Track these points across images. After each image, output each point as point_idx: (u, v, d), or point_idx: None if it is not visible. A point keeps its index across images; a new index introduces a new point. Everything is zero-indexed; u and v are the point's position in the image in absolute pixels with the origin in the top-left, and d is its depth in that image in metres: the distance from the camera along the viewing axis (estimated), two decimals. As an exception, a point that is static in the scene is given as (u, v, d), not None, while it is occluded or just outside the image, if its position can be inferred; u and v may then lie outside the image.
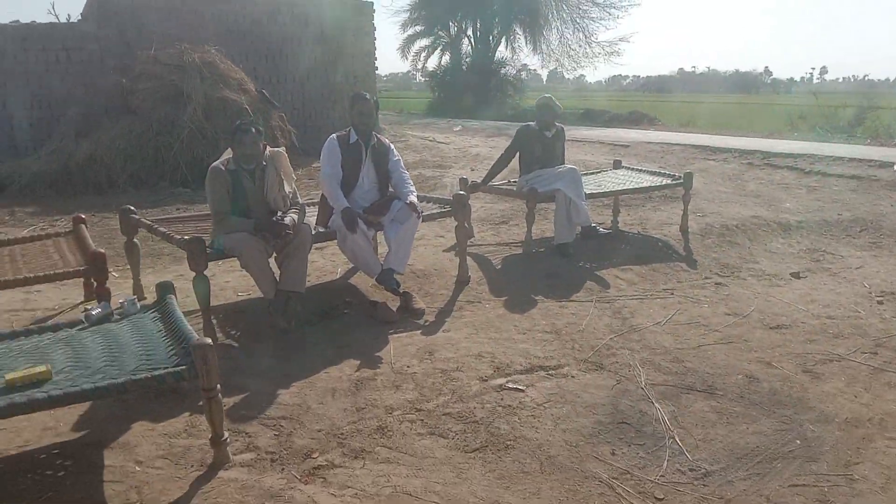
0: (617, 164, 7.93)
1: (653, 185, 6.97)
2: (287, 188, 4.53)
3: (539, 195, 6.08)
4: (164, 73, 10.42)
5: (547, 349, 4.19)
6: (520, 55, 31.59)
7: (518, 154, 6.55)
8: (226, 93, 10.59)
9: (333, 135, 5.08)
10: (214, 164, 4.44)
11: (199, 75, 10.49)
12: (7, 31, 10.85)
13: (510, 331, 4.48)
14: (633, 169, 7.83)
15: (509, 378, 3.79)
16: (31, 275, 4.29)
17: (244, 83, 11.16)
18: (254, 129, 4.39)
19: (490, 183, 6.69)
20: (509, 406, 3.48)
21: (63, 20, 11.79)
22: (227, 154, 4.51)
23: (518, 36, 30.02)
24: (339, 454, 3.03)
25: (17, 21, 11.48)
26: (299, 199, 4.74)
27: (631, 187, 6.83)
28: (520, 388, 3.67)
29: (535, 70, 34.95)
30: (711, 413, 3.42)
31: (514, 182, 6.78)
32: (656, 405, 3.48)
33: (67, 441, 3.21)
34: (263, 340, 4.33)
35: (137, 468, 2.94)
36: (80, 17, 11.93)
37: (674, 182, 6.93)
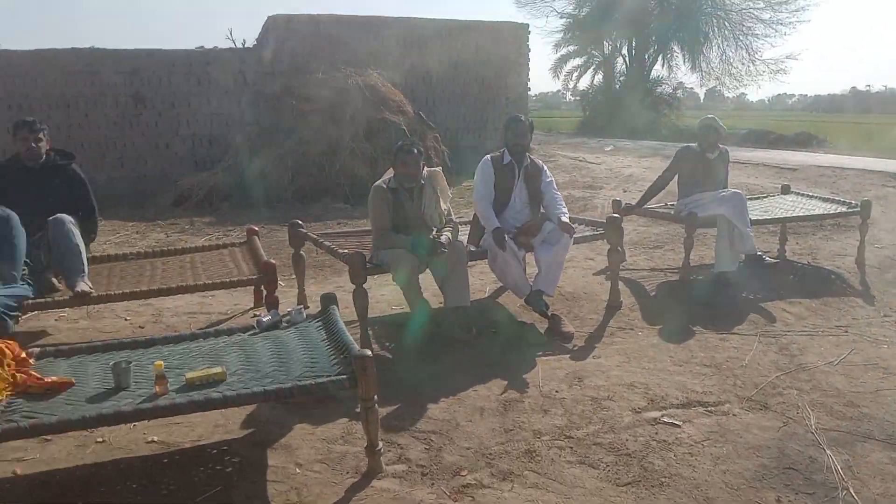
0: (785, 189, 7.44)
1: (826, 212, 6.47)
2: (443, 206, 4.65)
3: (699, 220, 5.82)
4: (330, 95, 11.04)
5: (706, 384, 3.98)
6: (677, 73, 30.49)
7: (677, 176, 6.32)
8: (385, 114, 11.05)
9: (487, 156, 5.15)
10: (377, 183, 4.64)
11: (362, 97, 11.02)
12: (193, 56, 11.95)
13: (665, 361, 4.31)
14: (803, 195, 7.31)
15: (664, 412, 3.63)
16: (209, 281, 4.67)
17: (402, 105, 11.59)
18: (416, 150, 4.55)
19: (645, 205, 6.49)
20: (664, 441, 3.33)
21: (239, 45, 12.83)
22: (389, 173, 4.69)
23: (676, 54, 29.08)
24: (488, 474, 3.04)
25: (202, 47, 12.64)
26: (453, 216, 4.85)
27: (801, 214, 6.38)
28: (676, 423, 3.51)
29: (692, 88, 33.49)
30: (892, 466, 3.10)
31: (672, 205, 6.54)
32: (828, 452, 3.20)
33: (235, 439, 3.43)
34: (414, 354, 4.44)
35: (297, 470, 3.10)
36: (255, 43, 12.95)
37: (849, 210, 6.40)
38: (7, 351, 3.14)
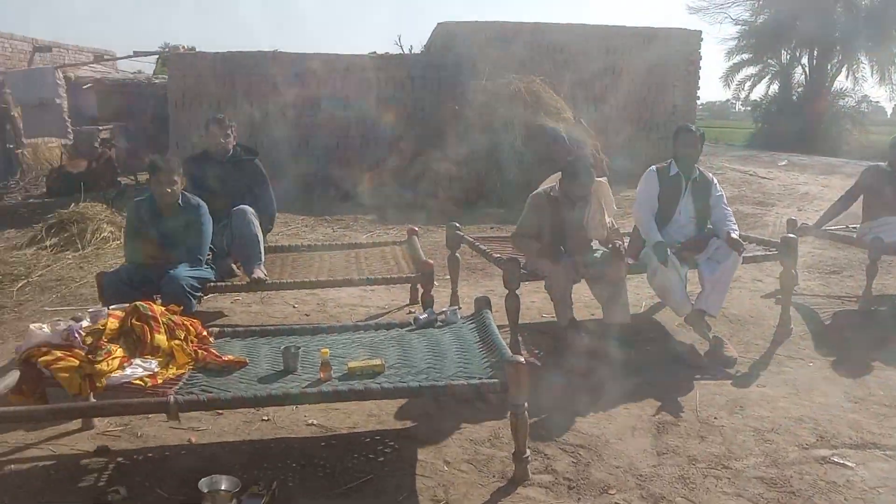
0: None
1: None
2: (606, 219, 4.54)
3: (885, 246, 5.30)
4: (492, 101, 11.16)
5: (884, 425, 3.62)
6: (863, 86, 28.00)
7: (862, 197, 5.80)
8: (545, 120, 11.01)
9: (653, 166, 4.98)
10: (538, 190, 4.60)
11: (523, 104, 11.04)
12: (366, 61, 12.52)
13: (838, 397, 3.96)
14: None
15: (835, 451, 3.35)
16: (372, 276, 4.87)
17: (563, 111, 11.49)
18: (587, 166, 4.42)
19: (824, 227, 6.01)
20: (833, 483, 3.07)
21: (406, 51, 13.27)
22: (550, 181, 4.64)
23: (863, 65, 26.71)
24: (638, 496, 2.94)
25: (374, 52, 13.21)
26: (617, 227, 4.73)
27: None
28: (848, 464, 3.22)
29: (878, 102, 30.66)
30: None
31: (854, 228, 6.00)
32: None
33: (388, 430, 3.56)
34: (563, 364, 4.38)
35: (445, 467, 3.16)
36: (422, 49, 13.32)
37: None
38: (191, 328, 3.45)
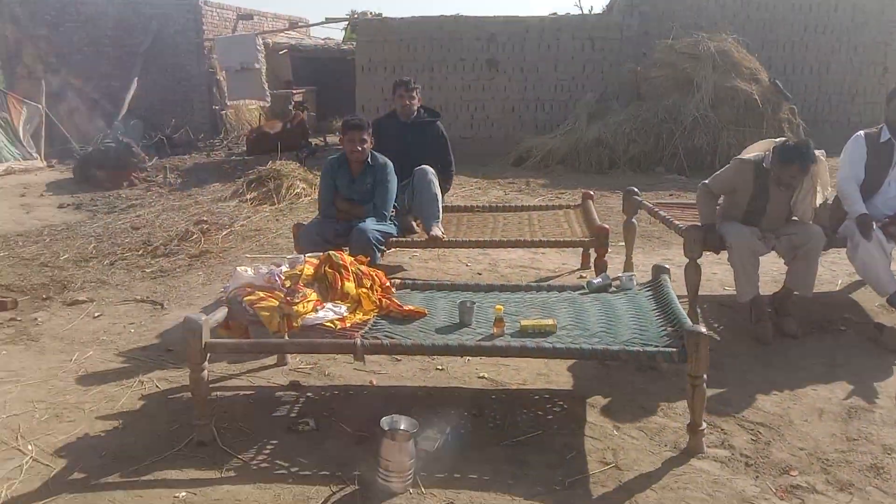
0: None
1: None
2: (818, 199, 4.19)
3: None
4: (678, 61, 10.62)
5: None
6: None
7: None
8: (736, 82, 10.31)
9: (861, 132, 4.53)
10: (748, 156, 4.29)
11: (712, 64, 10.40)
12: (546, 23, 12.34)
13: None
14: None
15: None
16: (544, 239, 4.88)
17: (757, 73, 10.69)
18: (805, 153, 3.93)
19: None
20: None
21: (586, 11, 12.88)
22: (760, 149, 4.29)
23: None
24: (822, 480, 2.76)
25: (555, 13, 12.99)
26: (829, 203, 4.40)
27: None
28: None
29: None
30: None
31: None
32: None
33: (557, 390, 3.59)
34: (744, 339, 4.17)
35: (615, 432, 3.14)
36: (604, 9, 12.90)
37: None
38: (376, 278, 3.66)
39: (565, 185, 9.39)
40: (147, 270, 5.88)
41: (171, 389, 3.61)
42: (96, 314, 4.81)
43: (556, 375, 3.73)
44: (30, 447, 3.04)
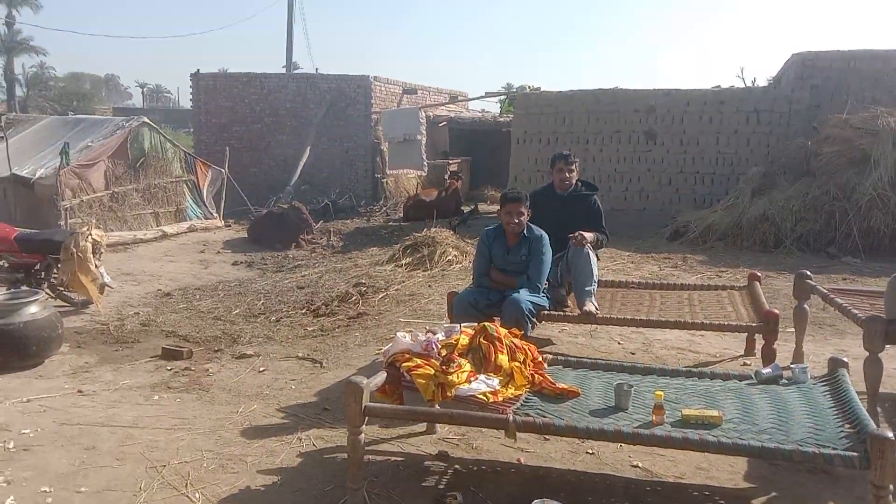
0: None
1: None
2: None
3: None
4: (853, 137, 9.97)
5: None
6: None
7: None
8: (921, 159, 9.50)
9: None
10: None
11: (892, 140, 9.67)
12: (708, 95, 12.07)
13: None
14: None
15: None
16: (706, 321, 4.65)
17: (947, 149, 9.79)
18: None
19: None
20: None
21: (749, 83, 12.45)
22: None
23: None
24: None
25: (718, 86, 12.67)
26: None
27: None
28: None
29: None
30: None
31: None
32: None
33: (718, 487, 3.35)
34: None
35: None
36: (769, 81, 12.41)
37: None
38: (528, 352, 3.63)
39: (726, 263, 8.96)
40: (309, 329, 6.20)
41: (327, 449, 3.73)
42: (261, 368, 5.11)
43: (717, 471, 3.49)
44: (197, 495, 3.23)
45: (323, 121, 15.56)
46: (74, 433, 3.87)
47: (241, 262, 9.72)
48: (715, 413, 3.02)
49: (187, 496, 3.22)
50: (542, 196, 5.53)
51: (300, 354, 5.44)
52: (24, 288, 6.19)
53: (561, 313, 4.95)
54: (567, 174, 5.45)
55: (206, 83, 16.56)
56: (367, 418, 3.12)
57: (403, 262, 8.75)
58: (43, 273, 6.80)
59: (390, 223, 13.25)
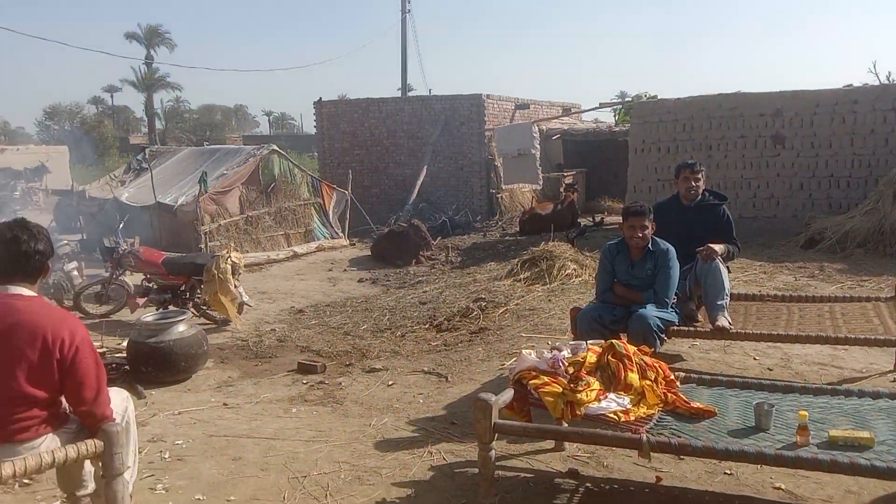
0: None
1: None
2: None
3: None
4: None
5: None
6: None
7: None
8: None
9: None
10: None
11: None
12: (839, 95, 11.36)
13: None
14: None
15: None
16: (851, 335, 4.37)
17: None
18: None
19: None
20: None
21: (883, 79, 11.59)
22: None
23: None
24: None
25: (850, 85, 11.91)
26: None
27: None
28: None
29: None
30: None
31: None
32: None
33: (871, 513, 3.14)
34: None
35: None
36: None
37: None
38: (660, 370, 3.56)
39: (868, 272, 8.37)
40: (432, 343, 6.33)
41: (458, 463, 3.79)
42: (390, 382, 5.26)
43: (869, 495, 3.27)
44: (336, 506, 3.38)
45: (438, 140, 15.87)
46: (222, 444, 4.13)
47: (366, 280, 10.05)
48: (866, 434, 2.85)
49: (327, 507, 3.37)
50: (668, 207, 5.40)
51: (426, 369, 5.56)
52: (171, 308, 6.70)
53: (691, 328, 4.80)
54: (693, 183, 5.30)
55: (328, 110, 17.30)
56: (496, 435, 3.15)
57: (522, 276, 8.75)
58: (188, 293, 7.32)
59: (506, 238, 13.29)
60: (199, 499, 3.45)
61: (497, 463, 3.66)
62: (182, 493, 3.52)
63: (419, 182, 15.31)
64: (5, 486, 3.48)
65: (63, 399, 2.82)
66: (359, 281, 10.03)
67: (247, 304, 7.44)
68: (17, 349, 2.63)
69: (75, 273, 8.45)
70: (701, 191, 5.34)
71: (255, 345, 6.51)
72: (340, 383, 5.31)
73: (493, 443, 3.13)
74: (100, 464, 2.79)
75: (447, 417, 4.49)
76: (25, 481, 3.56)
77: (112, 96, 64.69)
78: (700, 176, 5.34)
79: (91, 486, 3.11)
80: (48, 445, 2.73)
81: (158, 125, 47.55)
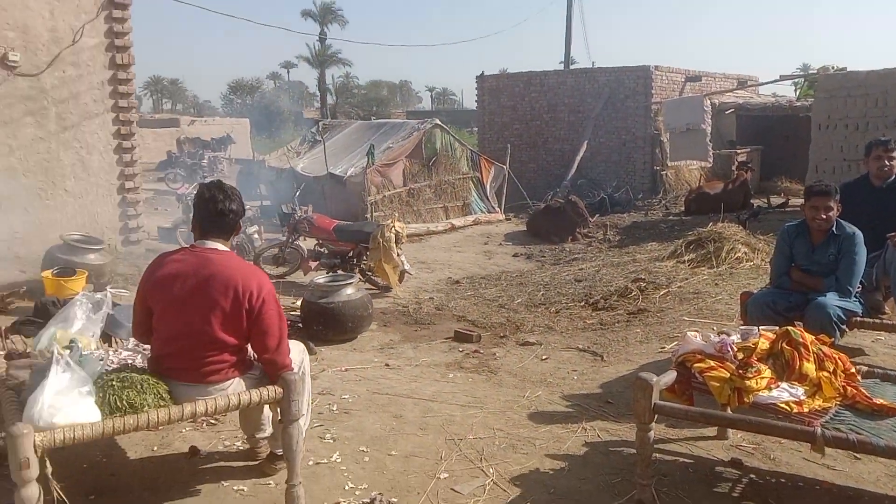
0: None
1: None
2: None
3: None
4: None
5: None
6: None
7: None
8: None
9: None
10: None
11: None
12: None
13: None
14: None
15: None
16: None
17: None
18: None
19: None
20: None
21: None
22: None
23: None
24: None
25: None
26: None
27: None
28: None
29: None
30: None
31: None
32: None
33: None
34: None
35: None
36: None
37: None
38: (839, 362, 3.30)
39: None
40: (588, 321, 6.26)
41: (612, 442, 3.76)
42: (543, 357, 5.28)
43: None
44: (491, 471, 3.45)
45: (600, 114, 15.49)
46: (384, 402, 4.35)
47: (521, 254, 10.08)
48: None
49: (482, 470, 3.46)
50: (856, 188, 4.97)
51: (580, 346, 5.52)
52: (339, 272, 7.10)
53: (877, 321, 4.40)
54: (887, 162, 4.84)
55: (489, 84, 17.39)
56: (655, 416, 3.08)
57: (686, 258, 8.40)
58: (355, 259, 7.72)
59: (670, 217, 12.79)
60: (363, 450, 3.67)
61: (655, 445, 3.59)
62: (348, 443, 3.75)
63: (578, 157, 15.05)
64: (196, 424, 3.90)
65: (249, 347, 3.10)
66: (513, 255, 10.08)
67: (408, 273, 7.72)
68: (212, 298, 2.91)
69: (256, 236, 9.16)
70: (895, 171, 4.85)
71: (415, 311, 6.76)
72: (495, 354, 5.39)
73: (653, 424, 3.06)
74: (278, 409, 3.03)
75: (602, 396, 4.45)
76: (212, 421, 3.95)
77: (288, 72, 68.92)
78: (895, 154, 4.85)
79: (269, 430, 3.40)
80: (235, 388, 3.01)
81: (329, 100, 50.01)
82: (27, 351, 3.71)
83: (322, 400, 4.34)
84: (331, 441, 3.79)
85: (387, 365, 5.13)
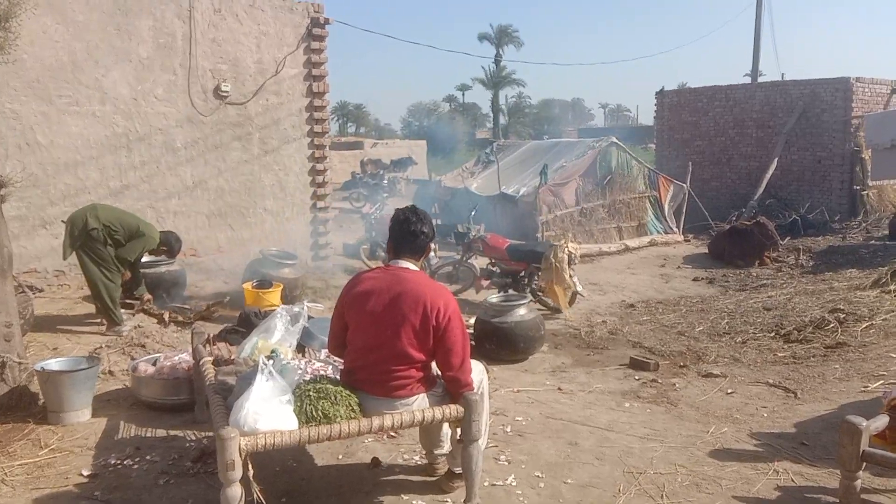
0: None
1: None
2: None
3: None
4: None
5: None
6: None
7: None
8: None
9: None
10: None
11: None
12: None
13: None
14: None
15: None
16: None
17: None
18: None
19: None
20: None
21: None
22: None
23: None
24: None
25: None
26: None
27: None
28: None
29: None
30: None
31: None
32: None
33: None
34: None
35: None
36: None
37: None
38: None
39: None
40: (779, 354, 5.83)
41: (808, 488, 3.45)
42: (729, 390, 4.98)
43: None
44: (673, 508, 3.30)
45: (792, 129, 14.44)
46: (558, 427, 4.30)
47: (702, 278, 9.60)
48: None
49: (663, 507, 3.32)
50: None
51: (770, 381, 5.15)
52: (511, 292, 7.15)
53: None
54: None
55: (669, 100, 16.82)
56: (864, 464, 2.80)
57: (892, 287, 7.56)
58: (526, 279, 7.73)
59: (871, 241, 11.62)
60: (537, 475, 3.64)
61: (861, 496, 3.26)
62: (524, 467, 3.73)
63: (767, 175, 14.12)
64: (377, 436, 4.06)
65: (433, 364, 3.19)
66: (693, 279, 9.62)
67: (580, 294, 7.62)
68: (403, 314, 3.04)
69: (431, 254, 9.42)
70: None
71: (587, 334, 6.65)
72: (674, 384, 5.16)
73: (860, 472, 2.78)
74: (457, 428, 3.09)
75: (796, 436, 4.11)
76: (392, 434, 4.10)
77: (463, 94, 70.80)
78: None
79: (447, 447, 3.48)
80: (420, 404, 3.11)
81: (501, 120, 50.78)
82: (232, 358, 4.06)
83: (496, 420, 4.36)
84: (505, 463, 3.80)
85: (559, 389, 5.08)
